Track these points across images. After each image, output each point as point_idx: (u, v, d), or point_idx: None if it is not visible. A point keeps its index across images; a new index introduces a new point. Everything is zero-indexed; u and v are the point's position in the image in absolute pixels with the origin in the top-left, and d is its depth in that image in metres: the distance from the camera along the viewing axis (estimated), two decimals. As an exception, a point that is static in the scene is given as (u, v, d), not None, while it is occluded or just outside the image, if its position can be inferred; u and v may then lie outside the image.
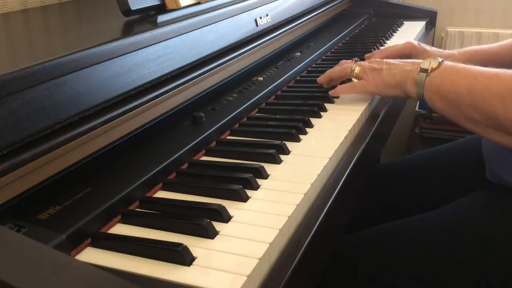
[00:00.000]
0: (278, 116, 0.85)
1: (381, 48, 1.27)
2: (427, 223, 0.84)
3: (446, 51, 1.06)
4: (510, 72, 0.70)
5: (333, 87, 0.95)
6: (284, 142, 0.73)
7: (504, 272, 0.74)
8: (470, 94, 0.71)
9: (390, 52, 1.08)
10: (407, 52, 1.07)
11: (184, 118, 0.78)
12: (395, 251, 0.82)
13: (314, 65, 1.15)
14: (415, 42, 1.06)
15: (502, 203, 0.81)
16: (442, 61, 0.78)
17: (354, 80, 0.92)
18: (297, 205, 0.58)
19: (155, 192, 0.63)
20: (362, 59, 1.11)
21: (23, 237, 0.43)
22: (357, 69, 0.89)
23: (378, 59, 0.90)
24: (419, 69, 0.79)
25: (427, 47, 1.06)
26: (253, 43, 1.01)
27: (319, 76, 1.06)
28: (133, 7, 0.78)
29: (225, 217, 0.56)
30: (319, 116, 0.85)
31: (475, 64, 1.02)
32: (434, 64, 0.78)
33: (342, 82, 0.97)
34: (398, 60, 0.87)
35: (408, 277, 0.79)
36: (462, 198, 0.86)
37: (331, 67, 1.13)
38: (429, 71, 0.78)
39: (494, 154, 0.84)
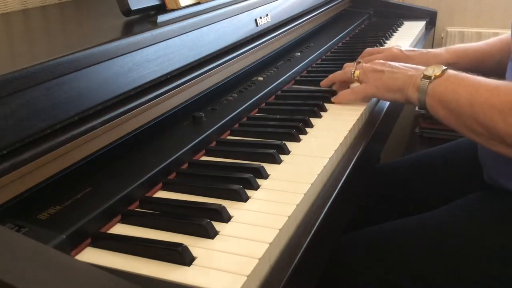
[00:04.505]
0: (278, 116, 0.85)
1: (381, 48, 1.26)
2: (427, 223, 0.84)
3: (432, 51, 1.04)
4: (511, 85, 0.69)
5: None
6: (284, 142, 0.73)
7: (501, 272, 0.75)
8: (471, 106, 0.71)
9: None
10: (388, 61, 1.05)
11: (184, 118, 0.78)
12: (395, 251, 0.82)
13: (314, 65, 1.15)
14: (397, 50, 1.02)
15: (499, 204, 0.81)
16: (446, 69, 0.77)
17: (356, 84, 0.91)
18: (297, 205, 0.58)
19: (155, 192, 0.63)
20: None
21: (23, 237, 0.43)
22: (357, 72, 0.87)
23: (381, 61, 0.88)
24: (422, 76, 0.78)
25: (411, 53, 1.01)
26: (253, 43, 1.01)
27: (319, 76, 1.06)
28: (133, 7, 0.78)
29: (225, 217, 0.56)
30: (319, 116, 0.85)
31: (466, 64, 1.01)
32: (437, 71, 0.77)
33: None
34: (401, 64, 0.86)
35: (408, 276, 0.79)
36: (461, 199, 0.86)
37: (331, 67, 1.13)
38: (432, 78, 0.77)
39: (490, 159, 0.84)
